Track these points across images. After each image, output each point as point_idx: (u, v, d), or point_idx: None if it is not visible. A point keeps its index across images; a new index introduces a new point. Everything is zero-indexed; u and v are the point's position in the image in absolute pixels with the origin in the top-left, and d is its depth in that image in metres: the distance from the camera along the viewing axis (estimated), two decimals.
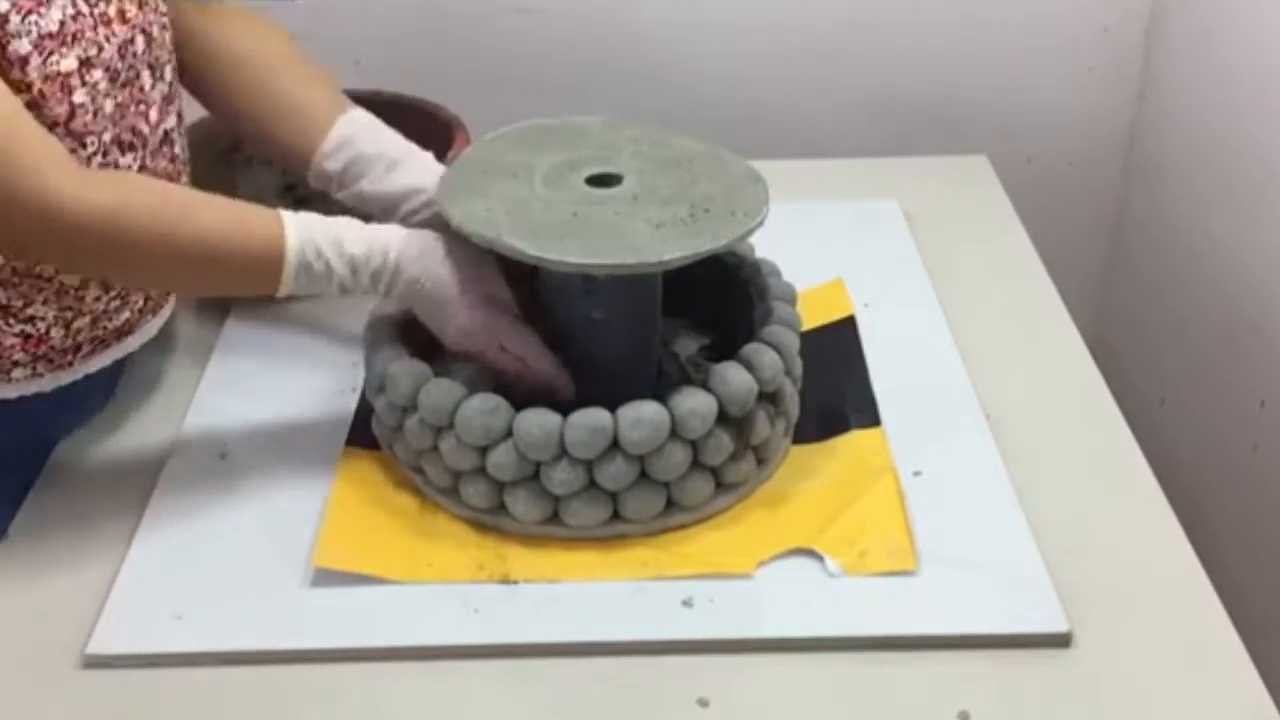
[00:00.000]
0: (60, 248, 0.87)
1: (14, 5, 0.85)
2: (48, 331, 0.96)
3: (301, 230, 0.92)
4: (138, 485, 1.00)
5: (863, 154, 1.53)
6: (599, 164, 1.01)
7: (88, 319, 0.99)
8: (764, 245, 1.06)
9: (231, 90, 1.06)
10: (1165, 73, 1.60)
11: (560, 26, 1.60)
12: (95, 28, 0.90)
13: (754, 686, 0.84)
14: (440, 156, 1.19)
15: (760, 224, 0.95)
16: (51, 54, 0.87)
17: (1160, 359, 1.62)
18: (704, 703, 0.83)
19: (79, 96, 0.89)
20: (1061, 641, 0.86)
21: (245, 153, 1.32)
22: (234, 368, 1.14)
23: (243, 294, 0.94)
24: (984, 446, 1.03)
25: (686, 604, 0.89)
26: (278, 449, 1.04)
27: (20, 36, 0.85)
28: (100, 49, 0.91)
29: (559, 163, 1.01)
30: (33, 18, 0.86)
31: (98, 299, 0.98)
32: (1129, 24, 1.62)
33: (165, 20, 0.99)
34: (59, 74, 0.88)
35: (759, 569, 0.91)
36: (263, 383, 1.12)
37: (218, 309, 1.22)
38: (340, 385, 1.11)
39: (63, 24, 0.88)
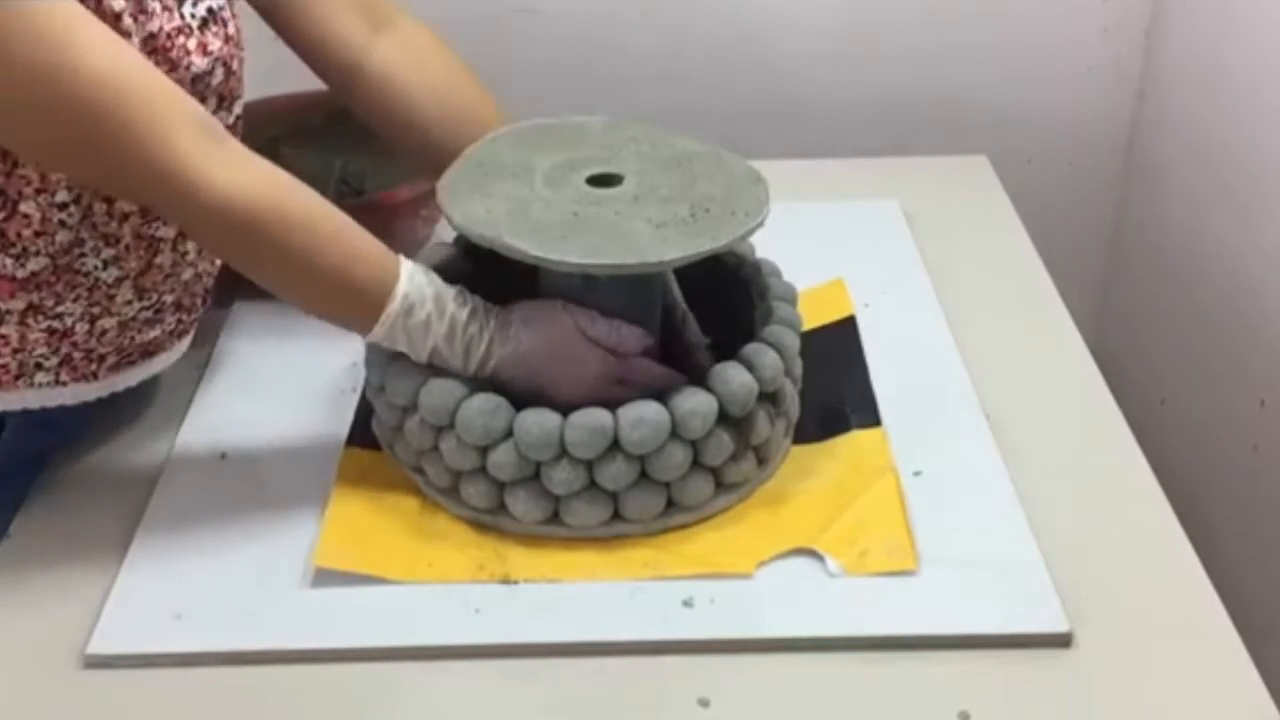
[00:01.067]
0: (184, 218, 0.89)
1: (128, 5, 0.85)
2: (73, 326, 0.96)
3: (414, 277, 0.92)
4: (138, 485, 1.00)
5: (863, 154, 1.53)
6: (599, 164, 1.01)
7: (115, 322, 0.98)
8: (764, 245, 1.06)
9: (406, 118, 1.07)
10: (1165, 73, 1.60)
11: (560, 26, 1.60)
12: (185, 51, 0.90)
13: (754, 686, 0.84)
14: None
15: (761, 224, 0.95)
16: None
17: (1160, 359, 1.62)
18: (704, 703, 0.83)
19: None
20: (1062, 641, 0.86)
21: (292, 144, 1.31)
22: (234, 368, 1.14)
23: (341, 321, 0.94)
24: (984, 446, 1.03)
25: (687, 604, 0.89)
26: (278, 449, 1.04)
27: (131, 35, 0.86)
28: (175, 69, 0.90)
29: (559, 163, 1.01)
30: (141, 19, 0.86)
31: (129, 303, 0.98)
32: (1129, 24, 1.62)
33: (243, 55, 0.99)
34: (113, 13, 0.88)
35: (759, 569, 0.91)
36: (263, 383, 1.12)
37: (219, 308, 1.22)
38: (341, 385, 1.11)
39: (154, 35, 0.88)
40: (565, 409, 0.91)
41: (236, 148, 0.89)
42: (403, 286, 0.91)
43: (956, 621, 0.87)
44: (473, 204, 0.96)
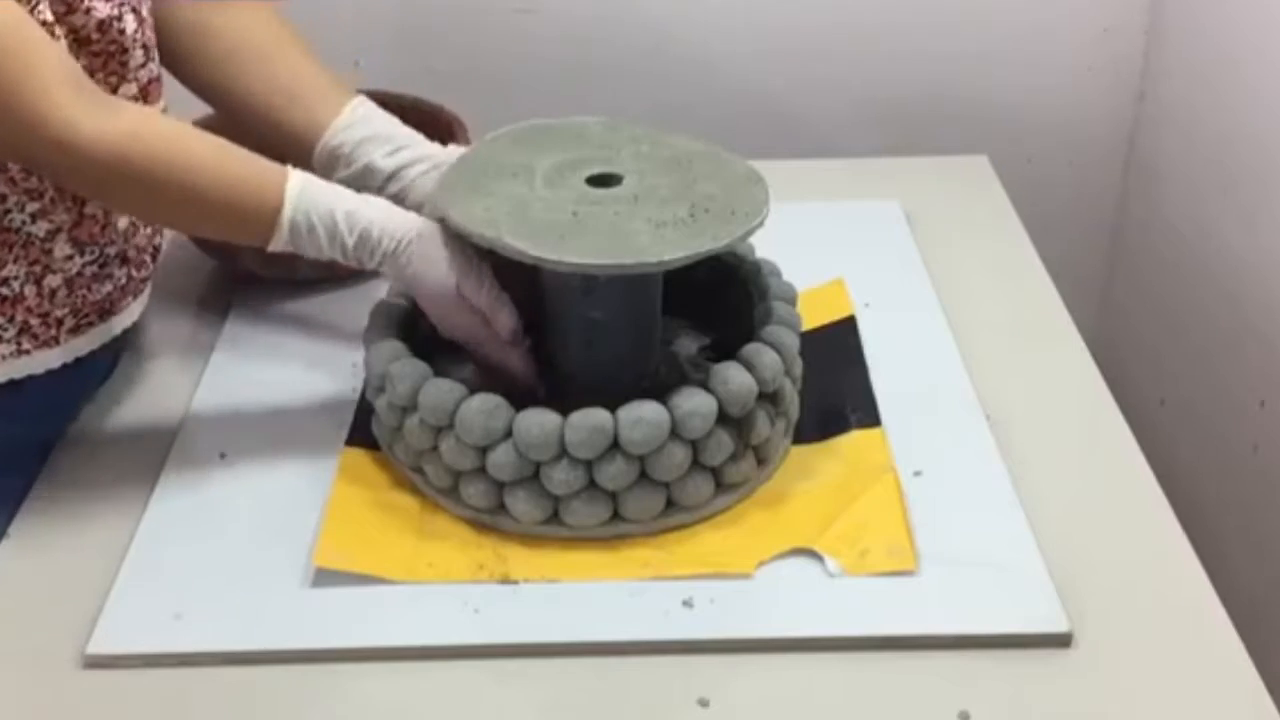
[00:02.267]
0: (65, 171, 0.89)
1: None
2: (21, 290, 0.96)
3: (302, 195, 0.93)
4: (138, 485, 1.00)
5: (863, 154, 1.53)
6: (599, 164, 1.01)
7: (60, 280, 0.98)
8: (764, 245, 1.06)
9: (236, 75, 1.06)
10: (1165, 73, 1.60)
11: (560, 26, 1.60)
12: None
13: (754, 686, 0.84)
14: None
15: (760, 224, 0.95)
16: (36, 4, 0.88)
17: (1160, 359, 1.62)
18: (704, 703, 0.83)
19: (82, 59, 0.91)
20: (1062, 641, 0.86)
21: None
22: (234, 368, 1.14)
23: (236, 240, 0.96)
24: (984, 446, 1.03)
25: (687, 604, 0.89)
26: (278, 449, 1.04)
27: None
28: (73, 11, 0.91)
29: (559, 163, 1.01)
30: None
31: (69, 258, 0.98)
32: (1129, 24, 1.62)
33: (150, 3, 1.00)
34: (42, 21, 0.89)
35: (759, 569, 0.91)
36: (263, 383, 1.12)
37: (218, 308, 1.22)
38: (340, 386, 1.11)
39: None
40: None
41: (114, 100, 0.92)
42: (287, 213, 0.93)
43: (956, 621, 0.87)
44: (472, 204, 0.96)
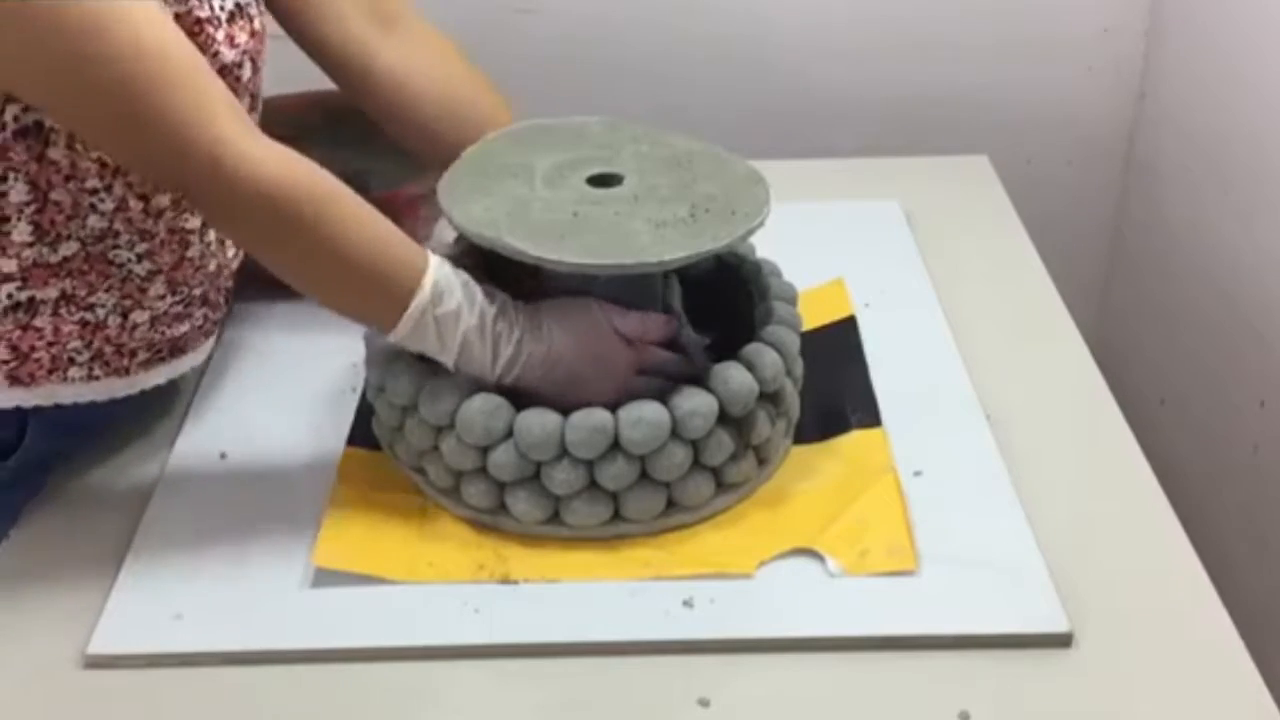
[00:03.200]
0: (219, 200, 0.86)
1: None
2: (105, 319, 0.96)
3: (442, 268, 0.90)
4: (139, 485, 1.00)
5: (863, 154, 1.53)
6: (599, 164, 1.01)
7: (147, 316, 0.98)
8: (764, 245, 1.06)
9: (413, 117, 1.07)
10: (1165, 73, 1.60)
11: (560, 26, 1.60)
12: (212, 40, 0.91)
13: (754, 686, 0.84)
14: None
15: (761, 224, 0.95)
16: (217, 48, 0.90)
17: (1160, 359, 1.62)
18: (704, 703, 0.83)
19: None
20: (1062, 641, 0.86)
21: (294, 144, 1.31)
22: (234, 368, 1.14)
23: (363, 318, 0.93)
24: (984, 446, 1.03)
25: (687, 604, 0.89)
26: (278, 449, 1.04)
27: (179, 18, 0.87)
28: (216, 55, 0.91)
29: (559, 163, 1.01)
30: (173, 3, 0.87)
31: (161, 297, 0.99)
32: (1129, 24, 1.62)
33: (265, 53, 1.00)
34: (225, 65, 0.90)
35: (760, 569, 0.91)
36: (263, 383, 1.12)
37: None
38: (341, 385, 1.11)
39: (182, 17, 0.88)
40: (588, 405, 0.91)
41: (266, 137, 0.89)
42: (431, 275, 0.89)
43: (956, 621, 0.87)
44: (473, 204, 0.96)
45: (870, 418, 1.05)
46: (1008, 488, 0.98)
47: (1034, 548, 0.92)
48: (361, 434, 1.04)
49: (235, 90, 0.93)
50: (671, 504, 0.95)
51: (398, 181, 1.25)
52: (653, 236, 0.92)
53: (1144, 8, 1.60)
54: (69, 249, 0.92)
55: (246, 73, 0.95)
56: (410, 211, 1.24)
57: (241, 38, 0.94)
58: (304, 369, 1.13)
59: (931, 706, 0.82)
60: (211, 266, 1.03)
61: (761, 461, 0.99)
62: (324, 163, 1.33)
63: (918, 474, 1.00)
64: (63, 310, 0.94)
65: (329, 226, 0.87)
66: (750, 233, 0.94)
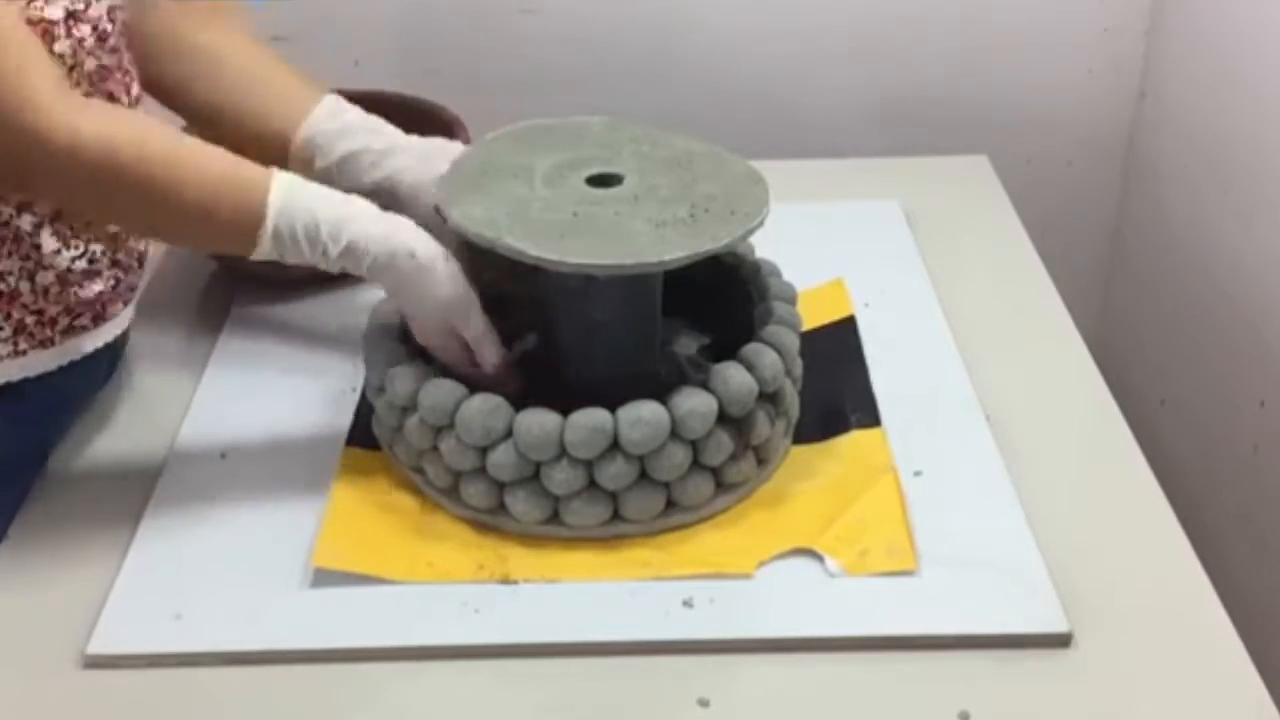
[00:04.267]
0: (44, 173, 0.87)
1: None
2: (16, 286, 0.97)
3: (288, 197, 0.91)
4: (138, 485, 1.00)
5: (863, 154, 1.53)
6: (599, 164, 1.01)
7: (52, 276, 0.98)
8: (764, 245, 1.06)
9: (208, 75, 1.06)
10: (1165, 73, 1.60)
11: (561, 26, 1.60)
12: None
13: (754, 687, 0.84)
14: None
15: (760, 224, 0.95)
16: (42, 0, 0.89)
17: (1160, 359, 1.62)
18: (704, 703, 0.83)
19: (60, 46, 0.90)
20: (1061, 642, 0.86)
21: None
22: (234, 367, 1.14)
23: (221, 250, 0.96)
24: (984, 446, 1.03)
25: (687, 604, 0.89)
26: (278, 449, 1.04)
27: None
28: (88, 5, 0.92)
29: (559, 163, 1.01)
30: None
31: (57, 252, 0.98)
32: (1129, 24, 1.62)
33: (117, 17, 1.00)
34: (43, 20, 0.89)
35: (759, 569, 0.91)
36: (263, 383, 1.12)
37: (219, 309, 1.22)
38: (340, 385, 1.11)
39: None
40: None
41: (99, 103, 0.90)
42: (271, 218, 0.91)
43: (956, 621, 0.87)
44: (472, 204, 0.96)
45: (870, 418, 1.05)
46: (1007, 488, 0.98)
47: (1033, 548, 0.92)
48: (361, 434, 1.04)
49: (124, 33, 0.95)
50: (671, 504, 0.95)
51: None
52: (652, 237, 0.92)
53: (1144, 8, 1.60)
54: None
55: (80, 30, 0.94)
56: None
57: None
58: (303, 369, 1.13)
59: (931, 706, 0.82)
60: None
61: (761, 462, 0.99)
62: None
63: (917, 474, 1.00)
64: None
65: (157, 177, 0.88)
66: (750, 232, 0.94)
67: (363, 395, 1.07)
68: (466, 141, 1.23)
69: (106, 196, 0.89)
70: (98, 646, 0.87)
